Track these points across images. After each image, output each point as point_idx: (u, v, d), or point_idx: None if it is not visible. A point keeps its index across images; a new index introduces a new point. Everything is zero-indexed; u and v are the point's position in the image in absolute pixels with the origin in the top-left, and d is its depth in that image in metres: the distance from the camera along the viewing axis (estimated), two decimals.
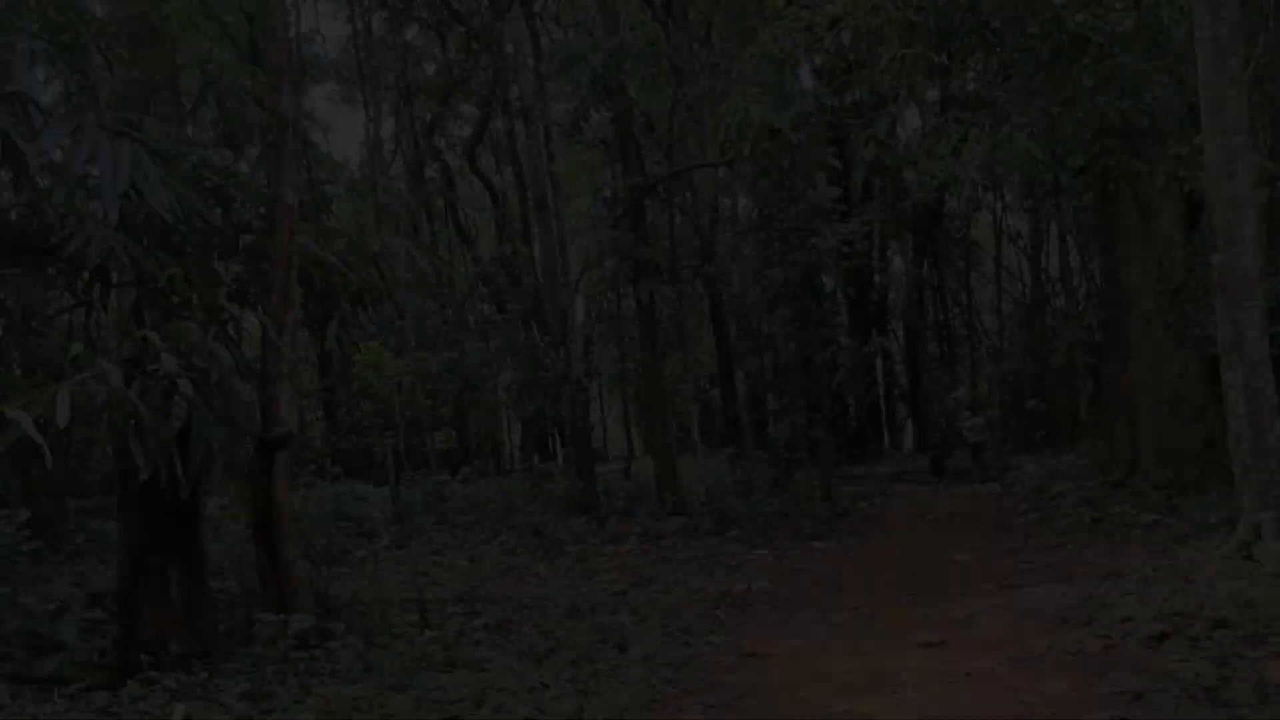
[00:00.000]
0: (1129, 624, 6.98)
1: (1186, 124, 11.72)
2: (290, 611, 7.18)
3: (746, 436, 25.41)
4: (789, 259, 16.58)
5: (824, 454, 17.87)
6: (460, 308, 28.18)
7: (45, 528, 13.08)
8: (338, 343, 13.16)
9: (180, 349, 6.50)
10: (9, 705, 6.03)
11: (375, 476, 19.10)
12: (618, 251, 18.04)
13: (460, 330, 24.95)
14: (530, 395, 23.57)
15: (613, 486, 18.65)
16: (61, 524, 13.44)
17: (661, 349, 20.33)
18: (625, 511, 15.87)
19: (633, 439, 36.17)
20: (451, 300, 27.37)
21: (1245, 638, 6.19)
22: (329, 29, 57.74)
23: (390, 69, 31.31)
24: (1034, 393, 26.10)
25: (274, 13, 8.72)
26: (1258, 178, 10.08)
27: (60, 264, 7.25)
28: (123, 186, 6.54)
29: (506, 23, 23.61)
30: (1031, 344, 28.23)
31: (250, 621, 7.24)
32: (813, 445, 17.82)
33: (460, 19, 27.59)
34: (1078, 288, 28.45)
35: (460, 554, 13.11)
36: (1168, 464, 13.79)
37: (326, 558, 10.43)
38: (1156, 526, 11.43)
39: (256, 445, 7.46)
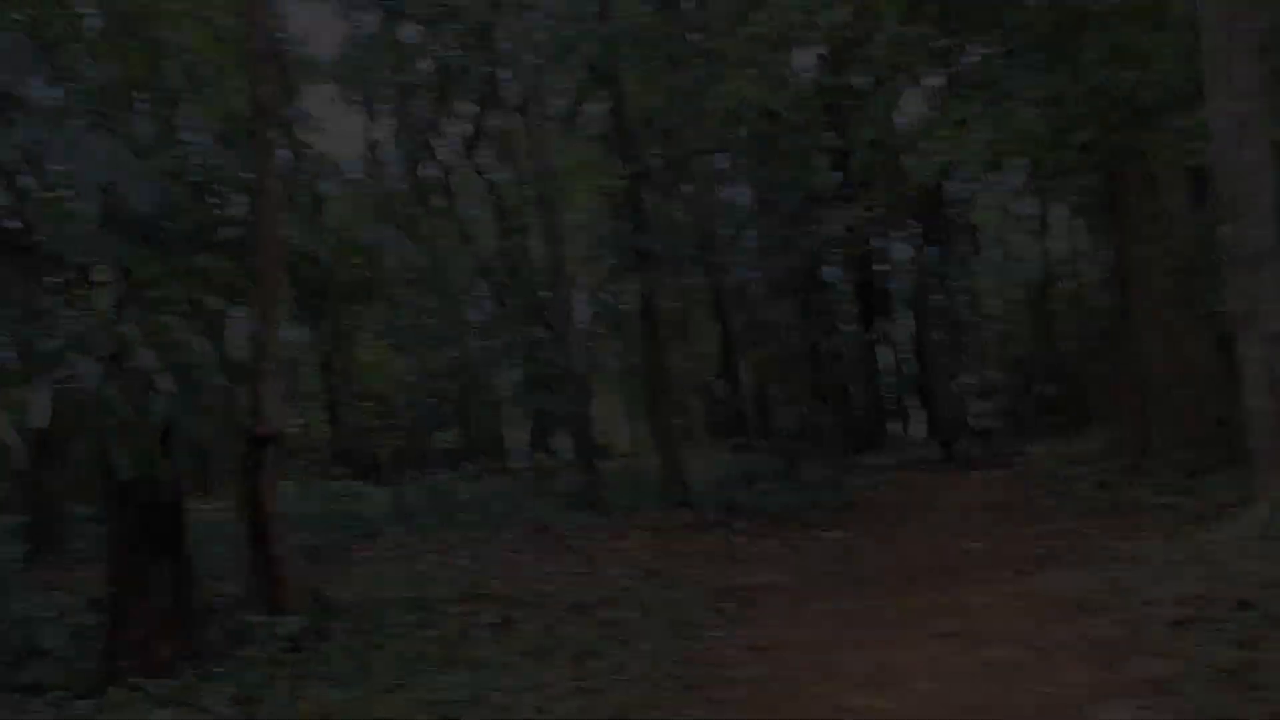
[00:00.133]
0: (1149, 608, 6.78)
1: (1193, 97, 11.49)
2: (283, 613, 7.00)
3: (751, 427, 25.24)
4: (790, 246, 16.39)
5: (830, 443, 17.68)
6: (460, 305, 28.00)
7: (46, 534, 12.98)
8: (334, 339, 13.01)
9: (162, 345, 6.31)
10: None
11: (378, 476, 18.96)
12: (618, 243, 17.87)
13: (462, 328, 24.79)
14: (533, 391, 23.40)
15: (617, 481, 18.49)
16: (62, 529, 13.32)
17: (664, 341, 20.12)
18: (630, 506, 15.69)
19: (636, 433, 35.99)
20: (451, 298, 27.19)
21: (1269, 619, 5.98)
22: (329, 29, 57.69)
23: (386, 67, 31.10)
24: (1044, 377, 25.88)
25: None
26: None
27: (42, 261, 7.09)
28: (100, 180, 6.37)
29: (500, 15, 23.39)
30: (1039, 327, 27.99)
31: (244, 624, 7.05)
32: (819, 434, 17.64)
33: (454, 14, 27.37)
34: (1086, 269, 28.19)
35: (463, 551, 12.94)
36: (1183, 444, 13.56)
37: (328, 558, 10.29)
38: (1173, 508, 11.19)
39: (244, 443, 7.27)
